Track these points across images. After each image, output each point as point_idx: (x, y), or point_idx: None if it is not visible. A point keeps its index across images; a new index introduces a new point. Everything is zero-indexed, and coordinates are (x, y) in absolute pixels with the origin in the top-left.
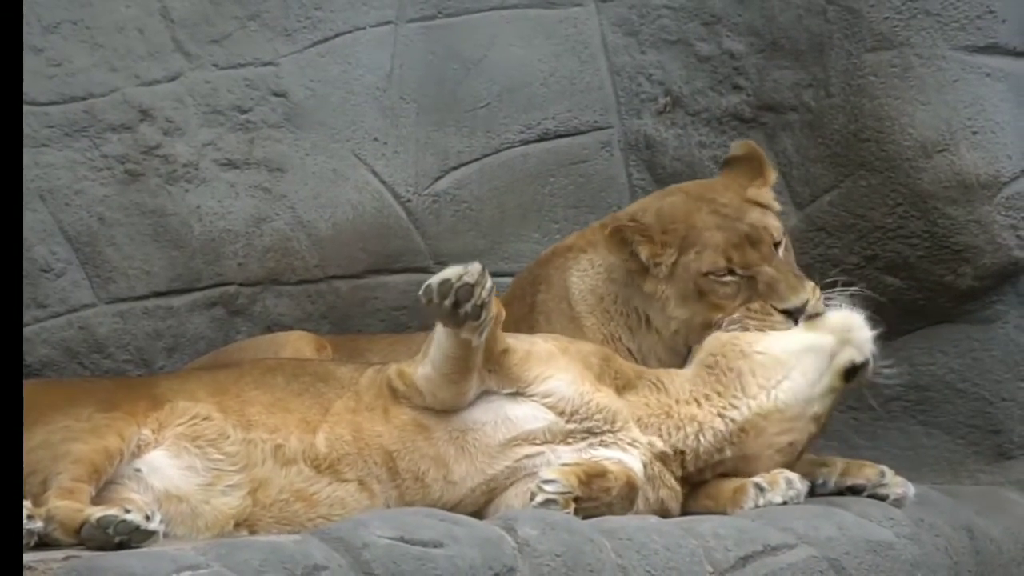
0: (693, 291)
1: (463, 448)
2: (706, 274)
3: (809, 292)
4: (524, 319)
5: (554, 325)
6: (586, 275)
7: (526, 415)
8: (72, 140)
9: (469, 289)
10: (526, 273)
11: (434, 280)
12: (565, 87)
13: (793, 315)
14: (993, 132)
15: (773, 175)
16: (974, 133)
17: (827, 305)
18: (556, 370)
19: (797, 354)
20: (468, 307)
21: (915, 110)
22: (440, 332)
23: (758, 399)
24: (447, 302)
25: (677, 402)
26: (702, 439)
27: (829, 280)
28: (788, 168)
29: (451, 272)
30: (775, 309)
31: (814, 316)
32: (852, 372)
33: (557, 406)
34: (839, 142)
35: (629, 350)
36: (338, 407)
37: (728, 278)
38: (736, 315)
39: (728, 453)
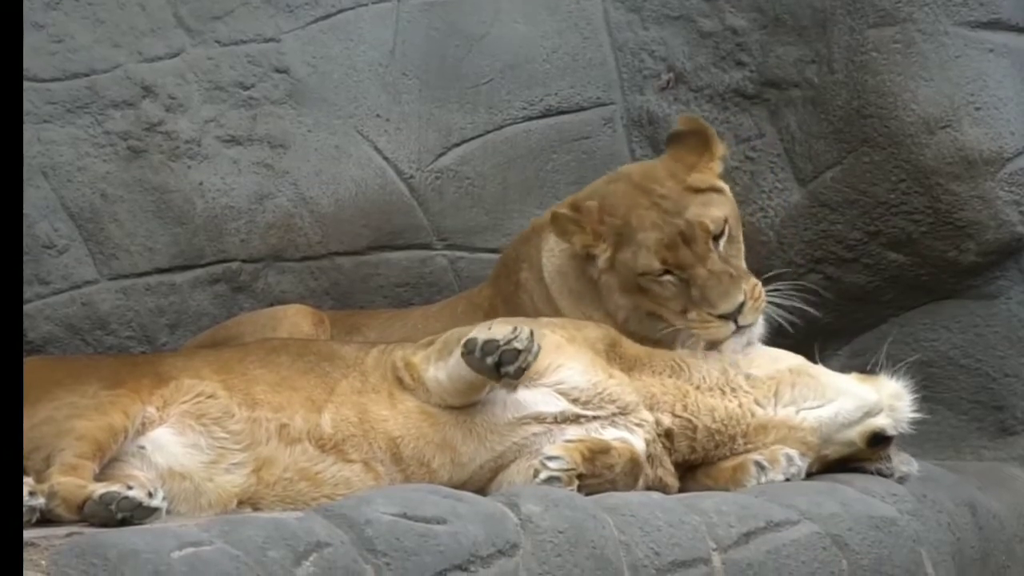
0: (634, 285)
1: (471, 430)
2: (642, 274)
3: (743, 293)
4: (511, 297)
5: (536, 304)
6: (552, 255)
7: (536, 399)
8: (74, 116)
9: (515, 354)
10: (511, 249)
11: (479, 336)
12: (568, 63)
13: (730, 317)
14: (996, 108)
15: (721, 148)
16: (977, 109)
17: (769, 302)
18: (566, 359)
19: (839, 392)
20: (511, 369)
21: (918, 86)
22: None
23: (787, 410)
24: (490, 360)
25: (698, 388)
26: (713, 419)
27: (773, 274)
28: (791, 144)
29: (499, 332)
30: (711, 315)
31: (869, 373)
32: (876, 440)
33: (570, 394)
34: (842, 118)
35: None
36: (343, 387)
37: (665, 278)
38: (682, 331)
39: (739, 443)
